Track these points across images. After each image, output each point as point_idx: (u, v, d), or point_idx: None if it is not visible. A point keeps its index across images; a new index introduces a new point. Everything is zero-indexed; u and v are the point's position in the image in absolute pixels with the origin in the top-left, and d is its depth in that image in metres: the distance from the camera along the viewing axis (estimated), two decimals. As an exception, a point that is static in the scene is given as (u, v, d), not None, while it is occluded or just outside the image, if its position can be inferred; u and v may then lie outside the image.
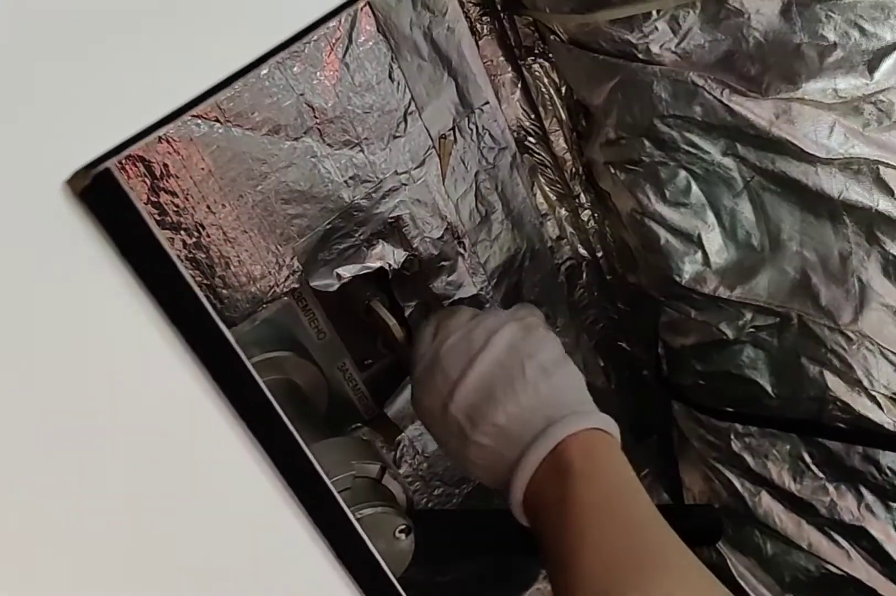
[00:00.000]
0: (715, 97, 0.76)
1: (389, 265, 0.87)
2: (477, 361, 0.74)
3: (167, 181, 0.74)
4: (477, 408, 0.72)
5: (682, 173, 0.84)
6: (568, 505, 0.65)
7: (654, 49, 0.77)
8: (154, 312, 0.36)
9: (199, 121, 0.74)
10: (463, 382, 0.73)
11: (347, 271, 0.84)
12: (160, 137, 0.72)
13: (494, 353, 0.75)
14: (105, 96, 0.33)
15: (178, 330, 0.37)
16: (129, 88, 0.34)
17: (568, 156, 0.98)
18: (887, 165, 0.72)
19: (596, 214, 1.03)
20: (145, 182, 0.73)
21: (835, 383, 0.86)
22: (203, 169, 0.75)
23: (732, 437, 0.99)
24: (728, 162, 0.81)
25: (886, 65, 0.68)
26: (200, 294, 0.37)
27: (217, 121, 0.74)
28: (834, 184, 0.75)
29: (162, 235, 0.35)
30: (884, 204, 0.74)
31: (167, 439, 0.38)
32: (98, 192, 0.33)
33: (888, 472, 0.88)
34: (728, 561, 1.07)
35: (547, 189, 1.00)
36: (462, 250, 0.92)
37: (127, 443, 0.37)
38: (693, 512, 0.98)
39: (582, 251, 1.05)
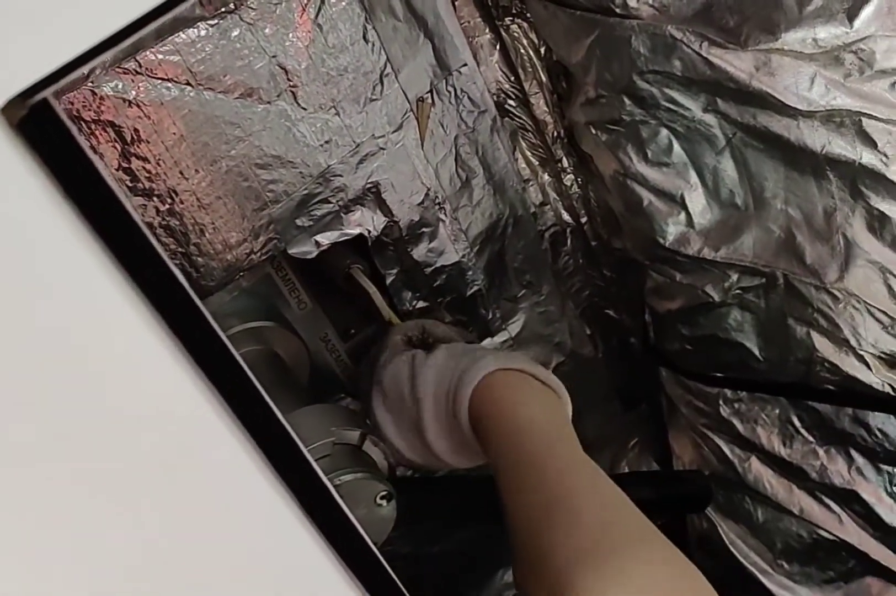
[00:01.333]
0: (694, 50, 0.74)
1: (369, 232, 0.86)
2: None
3: (138, 146, 0.72)
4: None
5: (664, 132, 0.83)
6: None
7: (632, 3, 0.75)
8: (104, 254, 0.34)
9: (170, 84, 0.72)
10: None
11: (326, 238, 0.83)
12: (129, 101, 0.71)
13: None
14: (39, 21, 0.32)
15: (133, 278, 0.35)
16: (62, 14, 0.32)
17: (549, 119, 0.96)
18: (870, 117, 0.71)
19: (579, 179, 1.02)
20: (116, 147, 0.71)
21: (822, 344, 0.85)
22: (175, 133, 0.73)
23: (721, 402, 0.98)
24: (709, 118, 0.80)
25: (866, 12, 0.67)
26: (151, 236, 0.36)
27: (188, 84, 0.73)
28: (816, 138, 0.74)
29: (107, 171, 0.34)
30: (867, 157, 0.73)
31: (137, 407, 0.37)
32: (36, 124, 0.32)
33: (878, 434, 0.87)
34: (719, 528, 1.07)
35: (529, 153, 0.99)
36: (443, 216, 0.91)
37: (93, 412, 0.36)
38: (682, 478, 0.97)
39: (566, 217, 1.04)
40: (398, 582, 0.46)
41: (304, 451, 0.42)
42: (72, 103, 0.69)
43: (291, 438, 0.41)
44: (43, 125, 0.32)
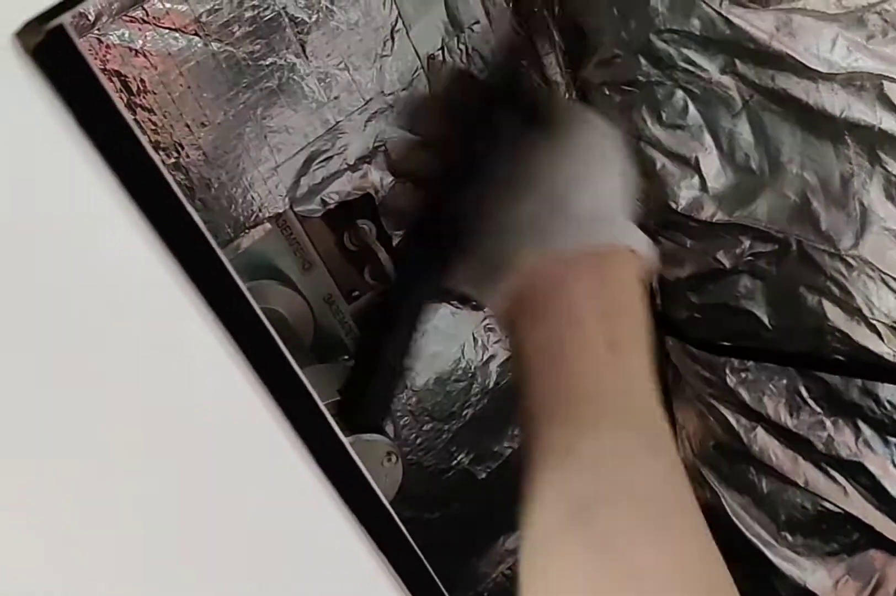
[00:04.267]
0: (713, 9, 0.73)
1: (376, 191, 0.84)
2: None
3: (144, 97, 0.71)
4: None
5: (679, 93, 0.82)
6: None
7: (651, -41, 0.74)
8: (117, 185, 0.33)
9: (178, 34, 0.71)
10: None
11: (332, 197, 0.82)
12: (136, 51, 0.70)
13: None
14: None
15: (147, 214, 0.34)
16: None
17: (560, 80, 0.95)
18: (891, 80, 0.70)
19: (590, 143, 1.00)
20: (121, 97, 0.70)
21: (834, 313, 0.84)
22: (181, 85, 0.72)
23: (728, 372, 0.97)
24: (726, 80, 0.78)
25: (893, -29, 0.65)
26: (169, 176, 0.35)
27: (196, 35, 0.72)
28: (836, 101, 0.73)
29: (120, 101, 0.32)
30: (887, 122, 0.71)
31: (155, 359, 0.36)
32: (51, 50, 0.31)
33: (887, 405, 0.86)
34: (722, 499, 1.06)
35: (539, 116, 0.97)
36: (452, 178, 0.89)
37: (115, 367, 0.35)
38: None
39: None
40: (410, 539, 0.46)
41: (324, 410, 0.41)
42: (77, 51, 0.67)
43: (309, 394, 0.40)
44: (58, 52, 0.31)
